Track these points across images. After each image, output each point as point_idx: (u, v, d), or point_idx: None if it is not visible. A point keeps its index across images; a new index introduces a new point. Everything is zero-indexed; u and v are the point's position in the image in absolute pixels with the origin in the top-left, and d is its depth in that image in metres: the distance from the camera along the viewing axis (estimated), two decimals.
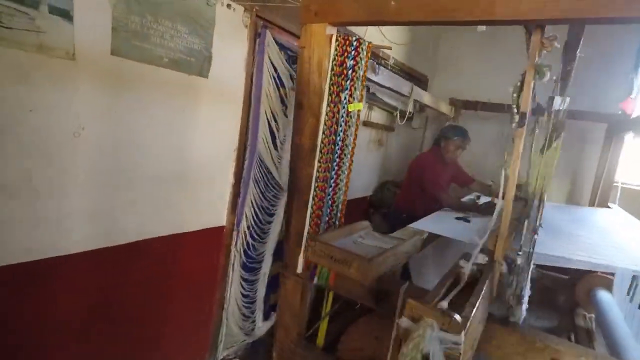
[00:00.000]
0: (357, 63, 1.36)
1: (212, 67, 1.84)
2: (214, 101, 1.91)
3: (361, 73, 1.37)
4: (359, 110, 1.38)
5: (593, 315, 2.12)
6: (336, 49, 1.38)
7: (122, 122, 1.55)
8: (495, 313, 1.25)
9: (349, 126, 1.39)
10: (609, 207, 3.38)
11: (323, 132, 1.40)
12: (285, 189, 2.26)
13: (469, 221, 2.09)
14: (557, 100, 1.40)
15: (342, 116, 1.39)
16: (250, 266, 2.25)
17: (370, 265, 1.11)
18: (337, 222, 1.46)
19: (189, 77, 1.75)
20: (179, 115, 1.77)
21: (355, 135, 1.40)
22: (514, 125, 1.26)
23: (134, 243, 1.72)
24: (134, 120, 1.60)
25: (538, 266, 1.50)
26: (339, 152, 1.42)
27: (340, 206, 1.45)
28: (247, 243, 2.18)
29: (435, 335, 0.88)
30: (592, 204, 3.63)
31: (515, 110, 1.25)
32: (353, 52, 1.36)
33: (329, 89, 1.39)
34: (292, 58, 2.22)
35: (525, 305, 1.26)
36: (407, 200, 2.93)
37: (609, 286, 2.03)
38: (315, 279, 1.45)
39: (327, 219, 1.46)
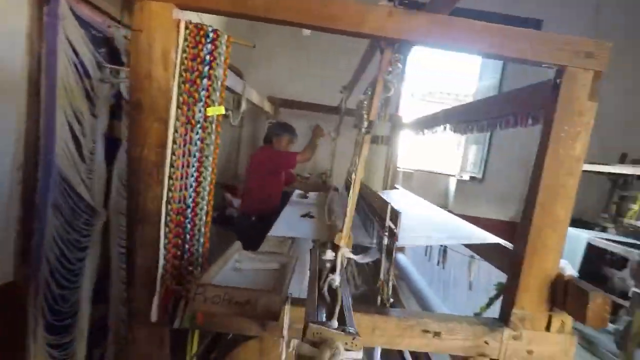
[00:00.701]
0: (216, 59, 1.13)
1: None
2: None
3: (221, 71, 1.14)
4: (219, 116, 1.15)
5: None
6: (186, 39, 1.11)
7: None
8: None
9: (209, 134, 1.15)
10: (396, 188, 4.12)
11: (174, 142, 1.12)
12: (102, 212, 1.77)
13: (312, 217, 2.14)
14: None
15: (199, 122, 1.13)
16: (60, 325, 1.64)
17: (278, 298, 0.95)
18: (200, 250, 1.20)
19: None
20: None
21: (217, 144, 1.17)
22: (362, 130, 1.29)
23: None
24: None
25: None
26: (196, 165, 1.16)
27: (203, 229, 1.20)
28: (52, 296, 1.58)
29: (341, 358, 0.83)
30: (385, 187, 4.36)
31: (365, 117, 1.30)
32: (210, 46, 1.12)
33: (179, 87, 1.12)
34: (97, 40, 1.73)
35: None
36: (255, 200, 2.83)
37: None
38: (177, 322, 1.17)
39: (187, 247, 1.18)
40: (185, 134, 1.12)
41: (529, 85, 1.36)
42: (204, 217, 1.19)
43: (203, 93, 1.13)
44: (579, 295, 1.10)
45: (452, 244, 1.71)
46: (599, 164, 3.99)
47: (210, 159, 1.16)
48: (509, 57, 1.13)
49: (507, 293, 1.26)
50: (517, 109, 1.43)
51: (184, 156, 1.13)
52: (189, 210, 1.16)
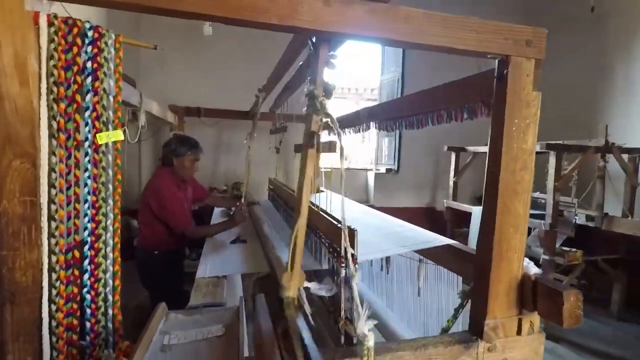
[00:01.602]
0: (101, 67, 0.82)
1: None
2: None
3: (112, 83, 0.84)
4: (117, 143, 0.85)
5: None
6: (53, 40, 0.79)
7: None
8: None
9: (104, 169, 0.84)
10: (322, 191, 4.01)
11: (52, 186, 0.79)
12: None
13: (244, 241, 1.87)
14: None
15: (88, 154, 0.82)
16: None
17: None
18: (109, 325, 0.88)
19: None
20: None
21: (118, 182, 0.86)
22: (307, 144, 1.10)
23: None
24: None
25: None
26: (90, 214, 0.84)
27: (113, 298, 0.88)
28: None
29: None
30: (312, 191, 4.23)
31: (309, 129, 1.11)
32: (91, 49, 0.81)
33: (50, 108, 0.79)
34: None
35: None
36: (154, 234, 2.35)
37: None
38: None
39: (90, 326, 0.86)
40: (68, 174, 0.80)
41: (468, 78, 1.29)
42: (111, 281, 0.88)
43: (88, 114, 0.81)
44: (551, 296, 1.04)
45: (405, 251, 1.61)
46: None
47: (112, 204, 0.85)
48: (453, 50, 1.03)
49: (476, 302, 1.18)
50: (459, 102, 1.36)
51: (70, 204, 0.81)
52: (86, 276, 0.84)
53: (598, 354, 3.05)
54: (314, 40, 1.05)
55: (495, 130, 1.09)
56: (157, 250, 2.31)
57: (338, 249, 1.19)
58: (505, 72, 1.04)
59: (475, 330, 1.16)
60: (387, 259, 2.08)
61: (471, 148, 4.38)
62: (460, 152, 4.49)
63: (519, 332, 1.16)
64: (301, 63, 1.55)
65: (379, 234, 1.59)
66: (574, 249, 3.30)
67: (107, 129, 0.83)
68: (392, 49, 5.01)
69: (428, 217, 4.99)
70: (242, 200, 2.50)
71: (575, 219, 3.47)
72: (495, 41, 1.02)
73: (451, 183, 4.53)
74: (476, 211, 4.09)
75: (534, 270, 1.14)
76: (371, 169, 5.36)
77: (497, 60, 1.07)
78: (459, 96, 1.43)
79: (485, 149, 4.11)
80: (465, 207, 4.34)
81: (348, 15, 0.89)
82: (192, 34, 3.74)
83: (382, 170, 5.12)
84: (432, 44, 0.96)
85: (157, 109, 2.72)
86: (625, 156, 3.36)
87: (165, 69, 4.06)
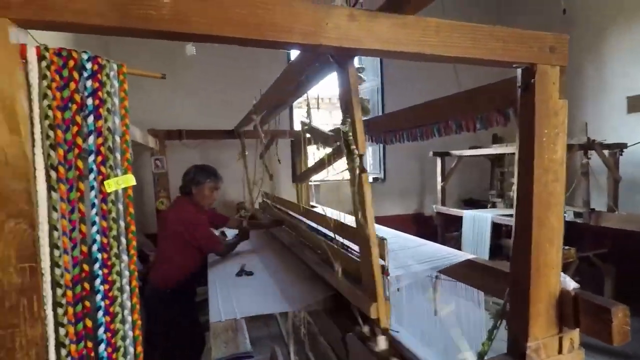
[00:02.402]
0: (104, 103, 0.71)
1: None
2: None
3: (118, 122, 0.72)
4: (129, 189, 0.73)
5: None
6: (45, 76, 0.67)
7: None
8: None
9: (114, 221, 0.72)
10: (314, 205, 3.91)
11: (55, 247, 0.67)
12: None
13: (251, 273, 1.75)
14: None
15: (95, 206, 0.70)
16: None
17: None
18: None
19: None
20: None
21: (132, 233, 0.75)
22: (356, 168, 1.03)
23: None
24: None
25: None
26: (102, 274, 0.72)
27: None
28: None
29: None
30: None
31: (355, 152, 1.03)
32: (90, 83, 0.70)
33: (47, 156, 0.67)
34: None
35: None
36: (174, 269, 2.24)
37: None
38: None
39: None
40: (72, 230, 0.68)
41: (479, 88, 1.25)
42: (129, 344, 0.75)
43: (92, 159, 0.70)
44: (597, 313, 0.99)
45: (433, 271, 1.54)
46: (475, 147, 4.41)
47: (127, 261, 0.74)
48: (481, 61, 0.97)
49: (514, 323, 1.12)
50: (469, 112, 1.32)
51: (78, 267, 0.69)
52: (102, 342, 0.71)
53: (592, 347, 3.07)
54: (335, 57, 0.97)
55: (524, 142, 1.04)
56: (170, 288, 2.19)
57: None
58: (532, 81, 0.99)
59: (516, 354, 1.09)
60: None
61: (456, 152, 4.41)
62: (445, 156, 4.51)
63: (560, 351, 1.10)
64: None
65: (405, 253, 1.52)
66: (566, 247, 3.34)
67: (116, 174, 0.71)
68: (369, 57, 5.01)
69: (417, 223, 4.97)
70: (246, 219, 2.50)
71: (565, 216, 3.52)
72: (521, 50, 0.98)
73: (439, 188, 4.54)
74: (467, 215, 4.10)
75: (572, 285, 1.09)
76: None
77: (520, 70, 1.03)
78: (469, 106, 1.39)
79: (470, 152, 4.12)
80: (455, 211, 4.35)
81: (375, 30, 0.82)
82: (164, 55, 3.59)
83: (369, 179, 5.08)
84: (460, 56, 0.90)
85: (139, 135, 2.56)
86: (605, 152, 3.45)
87: (138, 91, 3.88)
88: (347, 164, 1.05)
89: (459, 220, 4.24)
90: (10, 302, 0.65)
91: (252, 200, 2.58)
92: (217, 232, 2.76)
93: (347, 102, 1.00)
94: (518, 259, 1.09)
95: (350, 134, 1.00)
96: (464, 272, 1.52)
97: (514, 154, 1.08)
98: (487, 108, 1.29)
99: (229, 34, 0.74)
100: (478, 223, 3.93)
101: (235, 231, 2.92)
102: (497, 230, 4.07)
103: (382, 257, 1.16)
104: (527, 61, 0.99)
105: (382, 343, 0.91)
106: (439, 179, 4.54)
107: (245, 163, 2.44)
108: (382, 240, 1.13)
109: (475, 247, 3.98)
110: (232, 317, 1.23)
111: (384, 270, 1.13)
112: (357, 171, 1.00)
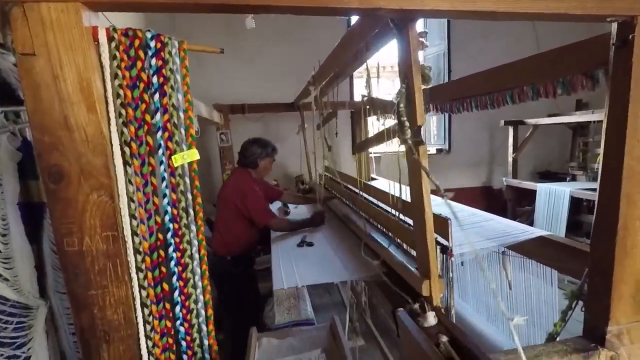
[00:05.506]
0: (168, 80, 0.74)
1: None
2: None
3: (181, 98, 0.75)
4: (194, 163, 0.77)
5: None
6: (115, 56, 0.71)
7: None
8: None
9: (182, 193, 0.77)
10: (375, 178, 3.86)
11: (133, 217, 0.73)
12: (39, 304, 1.30)
13: (311, 244, 1.80)
14: None
15: (165, 179, 0.75)
16: None
17: None
18: (208, 357, 0.83)
19: None
20: None
21: (199, 205, 0.79)
22: (408, 140, 0.99)
23: None
24: None
25: None
26: (174, 242, 0.77)
27: (207, 328, 0.82)
28: None
29: None
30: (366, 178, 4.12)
31: (406, 124, 0.98)
32: (155, 61, 0.73)
33: (120, 133, 0.72)
34: None
35: None
36: (229, 237, 2.39)
37: None
38: None
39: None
40: (147, 201, 0.73)
41: (560, 48, 1.11)
42: (200, 307, 0.81)
43: (160, 135, 0.74)
44: None
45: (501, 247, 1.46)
46: (555, 115, 3.99)
47: (195, 231, 0.78)
48: (569, 16, 0.85)
49: (594, 305, 1.03)
50: (548, 76, 1.18)
51: (154, 236, 0.74)
52: (177, 304, 0.78)
53: None
54: (395, 22, 0.91)
55: (616, 108, 0.91)
56: (230, 255, 2.33)
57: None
58: (631, 36, 0.85)
59: (594, 337, 1.02)
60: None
61: (531, 121, 4.04)
62: (519, 125, 4.16)
63: None
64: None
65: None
66: None
67: (181, 149, 0.75)
68: (435, 20, 4.68)
69: (485, 197, 4.72)
70: (320, 200, 2.51)
71: None
72: (617, 0, 0.84)
73: (510, 160, 4.22)
74: (541, 188, 3.80)
75: None
76: None
77: (615, 24, 0.89)
78: (551, 69, 1.24)
79: (546, 120, 3.73)
80: (527, 184, 4.04)
81: None
82: (227, 28, 3.66)
83: (432, 150, 4.88)
84: (545, 12, 0.80)
85: (205, 110, 2.68)
86: None
87: (203, 66, 4.02)
88: (398, 135, 1.00)
89: (531, 194, 3.94)
90: (99, 266, 0.73)
91: (310, 173, 2.59)
92: (277, 206, 2.83)
93: (405, 71, 0.94)
94: (601, 238, 0.99)
95: (402, 105, 0.94)
96: (537, 250, 1.42)
97: (601, 121, 0.96)
98: (572, 70, 1.14)
99: (284, 2, 0.72)
100: (554, 197, 3.62)
101: (293, 206, 3.00)
102: (577, 205, 3.73)
103: (445, 236, 1.12)
104: (626, 13, 0.85)
105: (431, 319, 0.89)
106: (510, 149, 4.22)
107: (304, 136, 2.45)
108: (444, 220, 1.09)
109: (549, 224, 3.68)
110: (293, 285, 1.27)
111: (448, 251, 1.08)
112: (409, 144, 0.94)
